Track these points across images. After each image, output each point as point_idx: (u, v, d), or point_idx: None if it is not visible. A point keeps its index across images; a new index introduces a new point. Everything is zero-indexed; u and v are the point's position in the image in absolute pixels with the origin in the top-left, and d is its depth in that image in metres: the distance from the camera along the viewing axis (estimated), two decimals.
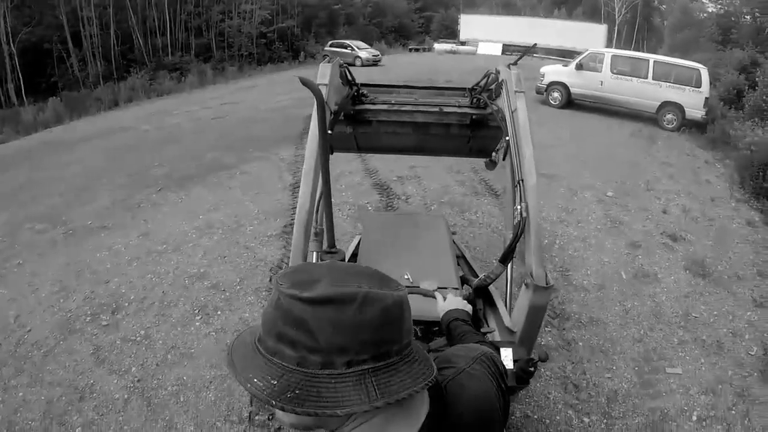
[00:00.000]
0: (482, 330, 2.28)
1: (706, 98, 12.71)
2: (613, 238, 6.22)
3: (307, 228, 2.32)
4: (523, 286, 2.22)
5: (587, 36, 36.36)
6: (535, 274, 2.13)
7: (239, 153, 9.32)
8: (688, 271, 5.51)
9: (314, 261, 2.61)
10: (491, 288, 2.55)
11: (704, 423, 3.52)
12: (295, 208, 6.56)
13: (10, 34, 21.38)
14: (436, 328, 2.00)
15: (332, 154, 2.95)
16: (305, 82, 1.85)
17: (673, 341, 4.36)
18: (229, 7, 32.83)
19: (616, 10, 44.66)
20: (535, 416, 3.38)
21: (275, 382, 0.70)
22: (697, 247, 6.11)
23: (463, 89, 3.67)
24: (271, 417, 3.31)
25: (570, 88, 14.53)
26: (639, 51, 28.11)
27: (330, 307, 0.70)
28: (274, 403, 0.69)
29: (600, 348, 4.17)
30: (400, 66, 25.96)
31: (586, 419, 3.43)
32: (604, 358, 4.05)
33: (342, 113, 3.14)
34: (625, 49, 30.84)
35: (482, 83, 3.30)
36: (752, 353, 4.29)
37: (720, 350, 4.30)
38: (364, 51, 28.87)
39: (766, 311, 4.94)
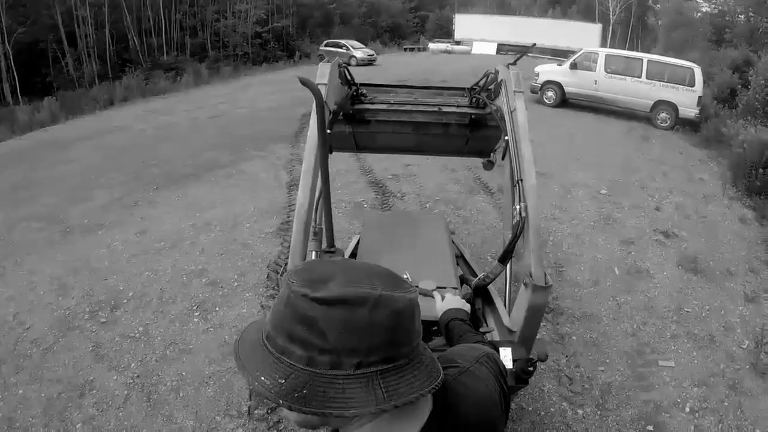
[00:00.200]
0: (481, 329, 2.28)
1: (700, 97, 12.82)
2: (607, 234, 6.29)
3: (307, 227, 2.30)
4: (522, 286, 2.23)
5: (582, 35, 36.44)
6: (534, 273, 2.13)
7: (236, 152, 9.36)
8: (680, 267, 5.59)
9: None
10: (490, 287, 2.55)
11: (697, 414, 3.58)
12: (292, 205, 6.65)
13: (5, 34, 21.27)
14: (435, 328, 1.99)
15: (331, 153, 2.97)
16: (304, 82, 1.86)
17: (666, 335, 4.43)
18: (224, 6, 32.75)
19: (611, 9, 44.72)
20: (530, 408, 3.44)
21: (283, 381, 0.70)
22: (689, 244, 6.18)
23: (462, 89, 3.66)
24: (269, 411, 3.35)
25: (564, 88, 14.64)
26: (633, 50, 28.26)
27: (342, 307, 0.69)
28: (281, 402, 0.69)
29: (593, 342, 4.23)
30: (396, 65, 26.00)
31: (580, 411, 3.49)
32: (598, 352, 4.11)
33: (341, 113, 3.12)
34: (620, 48, 31.04)
35: (481, 83, 3.29)
36: (744, 347, 4.36)
37: (712, 344, 4.37)
38: (359, 51, 28.90)
39: (758, 306, 5.01)
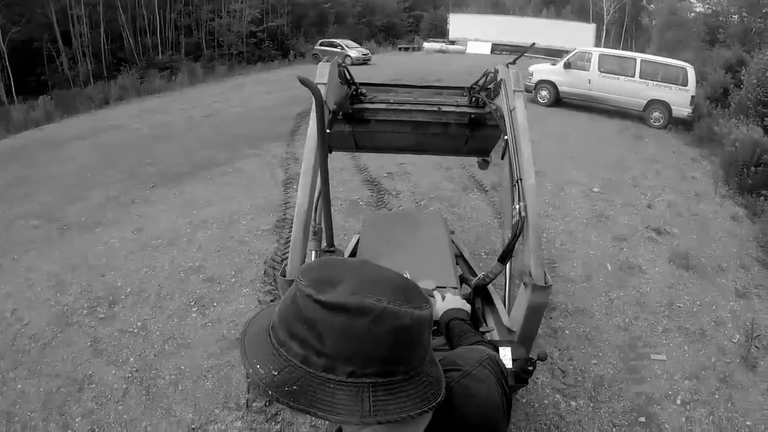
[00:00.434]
0: (481, 329, 2.29)
1: (693, 96, 12.91)
2: (599, 231, 6.36)
3: (306, 227, 2.30)
4: (522, 285, 2.23)
5: (576, 35, 36.62)
6: (534, 273, 2.13)
7: (231, 150, 9.38)
8: (672, 263, 5.66)
9: (313, 260, 2.61)
10: (490, 287, 2.54)
11: (688, 406, 3.65)
12: (288, 203, 6.69)
13: None
14: (435, 328, 1.93)
15: (331, 153, 2.97)
16: (304, 82, 1.86)
17: (658, 329, 4.50)
18: (219, 6, 32.69)
19: (605, 9, 44.92)
20: (524, 400, 3.50)
21: (276, 373, 0.70)
22: (681, 241, 6.26)
23: (462, 88, 3.65)
24: (267, 403, 3.40)
25: (558, 87, 14.73)
26: (627, 50, 28.39)
27: (343, 315, 0.68)
28: (270, 392, 0.69)
29: (586, 336, 4.30)
30: (391, 65, 26.04)
31: (573, 403, 3.55)
32: (591, 346, 4.18)
33: (340, 112, 3.10)
34: (614, 48, 31.10)
35: (481, 82, 3.27)
36: (734, 341, 4.43)
37: (703, 338, 4.44)
38: (354, 50, 28.93)
39: (749, 301, 5.09)
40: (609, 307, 4.76)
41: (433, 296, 1.89)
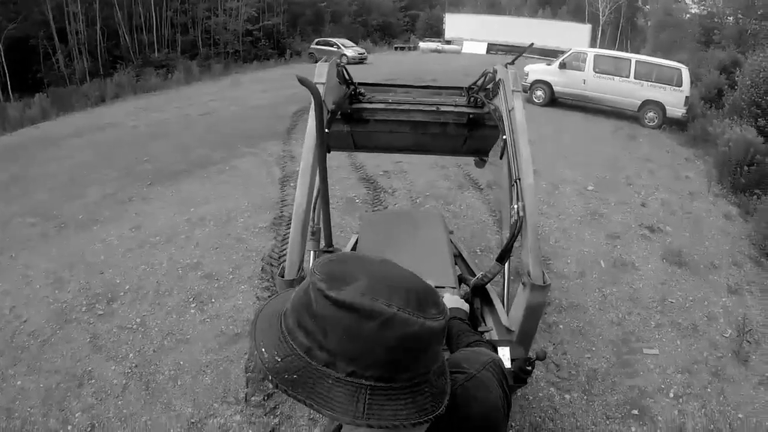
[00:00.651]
0: (480, 329, 2.30)
1: (687, 97, 13.00)
2: (593, 229, 6.43)
3: (305, 226, 2.30)
4: (521, 285, 2.24)
5: (572, 35, 36.64)
6: (533, 272, 2.15)
7: (228, 149, 9.40)
8: (665, 260, 5.73)
9: (312, 260, 2.61)
10: (488, 287, 2.56)
11: (681, 400, 3.72)
12: (284, 201, 6.72)
13: None
14: None
15: (329, 153, 2.96)
16: (303, 81, 1.88)
17: (650, 324, 4.57)
18: (215, 4, 32.58)
19: (601, 10, 45.05)
20: (519, 393, 3.55)
21: (279, 360, 0.71)
22: (674, 238, 6.33)
23: (460, 88, 3.64)
24: (266, 397, 3.44)
25: (553, 87, 14.81)
26: (623, 51, 28.43)
27: (351, 315, 0.68)
28: (270, 377, 0.70)
29: (580, 330, 4.36)
30: (387, 64, 26.06)
31: (567, 396, 3.61)
32: (584, 340, 4.24)
33: (339, 112, 3.10)
34: (610, 48, 31.21)
35: (479, 82, 3.26)
36: (726, 335, 4.51)
37: (695, 333, 4.52)
38: (350, 49, 28.91)
39: (741, 297, 5.17)
40: (602, 303, 4.83)
41: None
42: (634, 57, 14.26)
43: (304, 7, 39.56)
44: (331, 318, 0.69)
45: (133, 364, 3.81)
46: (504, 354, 1.64)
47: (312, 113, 2.27)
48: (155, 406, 3.43)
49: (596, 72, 14.06)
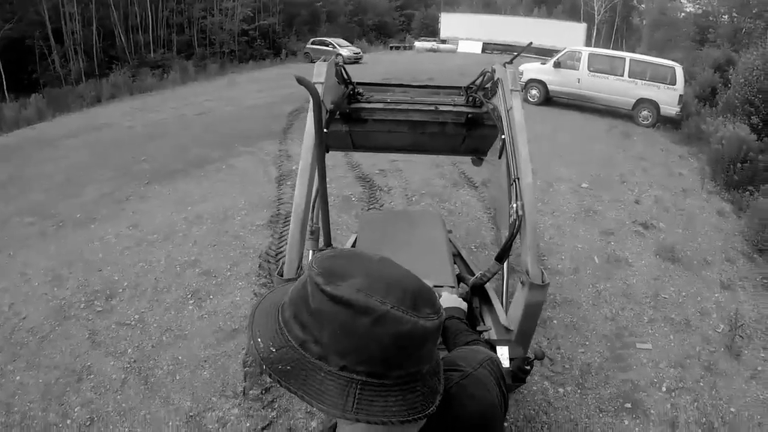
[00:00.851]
0: (478, 328, 2.31)
1: (681, 95, 13.05)
2: (587, 226, 6.49)
3: (303, 226, 2.32)
4: (519, 284, 2.26)
5: (567, 34, 36.66)
6: (531, 272, 2.16)
7: (224, 148, 9.42)
8: (658, 257, 5.79)
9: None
10: (487, 286, 2.56)
11: (673, 393, 3.77)
12: (281, 199, 6.75)
13: None
14: None
15: (328, 152, 2.95)
16: (302, 81, 1.88)
17: (644, 319, 4.62)
18: (211, 4, 32.56)
19: (596, 9, 45.17)
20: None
21: (274, 350, 0.72)
22: (667, 235, 6.40)
23: (459, 88, 3.64)
24: (264, 391, 3.48)
25: (548, 86, 14.85)
26: (618, 49, 28.59)
27: (345, 310, 0.69)
28: (264, 367, 0.71)
29: (574, 325, 4.42)
30: (382, 64, 26.07)
31: (561, 390, 3.66)
32: (578, 335, 4.29)
33: (338, 112, 3.11)
34: (605, 47, 31.29)
35: (478, 82, 3.25)
36: (719, 330, 4.56)
37: (688, 328, 4.57)
38: (345, 49, 28.89)
39: (733, 293, 5.23)
40: (596, 298, 4.88)
41: None
42: (628, 56, 14.33)
43: (300, 7, 39.52)
44: (326, 312, 0.70)
45: (132, 360, 3.85)
46: (502, 353, 1.66)
47: (311, 113, 2.27)
48: (154, 400, 3.47)
49: (591, 71, 14.11)
